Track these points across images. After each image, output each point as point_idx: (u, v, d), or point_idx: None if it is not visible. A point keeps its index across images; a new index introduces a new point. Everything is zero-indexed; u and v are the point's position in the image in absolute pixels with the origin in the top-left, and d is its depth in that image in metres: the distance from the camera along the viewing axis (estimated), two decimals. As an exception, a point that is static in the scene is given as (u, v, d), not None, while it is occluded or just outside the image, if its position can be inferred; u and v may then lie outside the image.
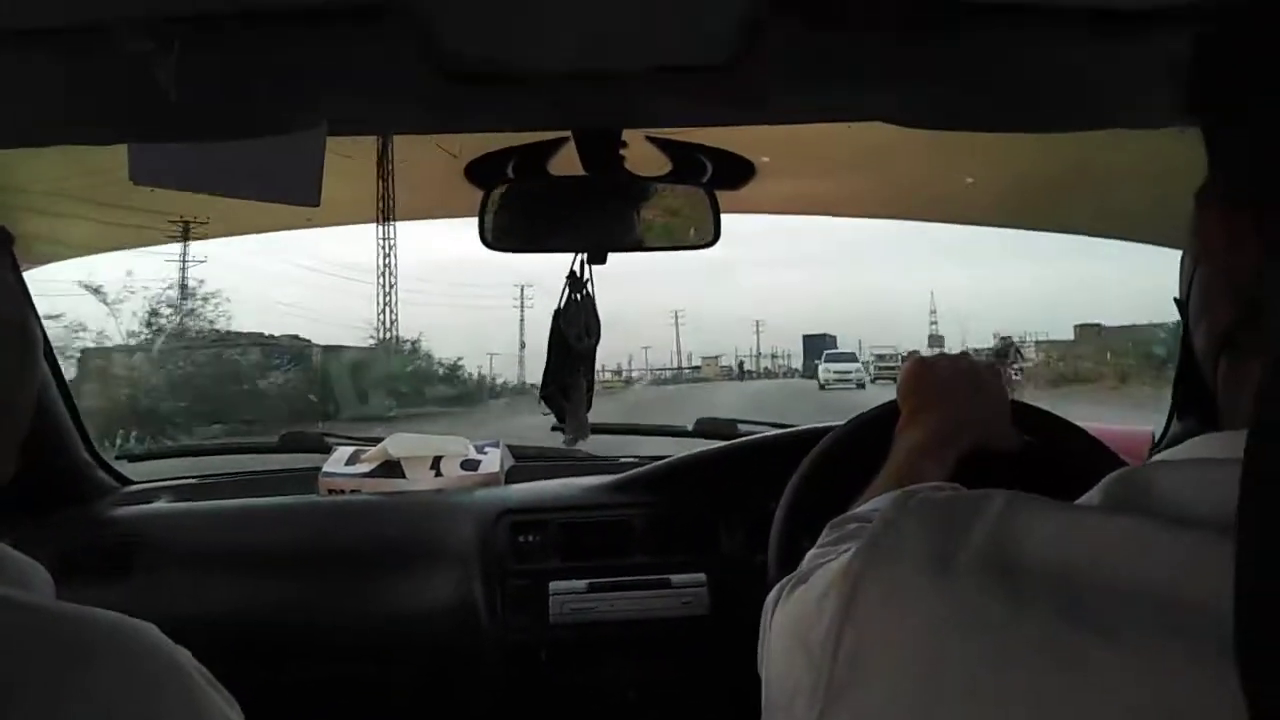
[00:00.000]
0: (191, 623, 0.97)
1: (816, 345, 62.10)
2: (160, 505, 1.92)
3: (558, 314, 1.45)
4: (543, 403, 1.52)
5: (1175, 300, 0.67)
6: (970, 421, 1.12)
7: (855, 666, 0.56)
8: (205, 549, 1.77)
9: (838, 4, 0.99)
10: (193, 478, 2.15)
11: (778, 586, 0.77)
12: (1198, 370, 0.62)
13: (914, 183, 1.59)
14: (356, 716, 1.71)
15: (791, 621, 0.69)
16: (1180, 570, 0.47)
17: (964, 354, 1.20)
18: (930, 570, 0.54)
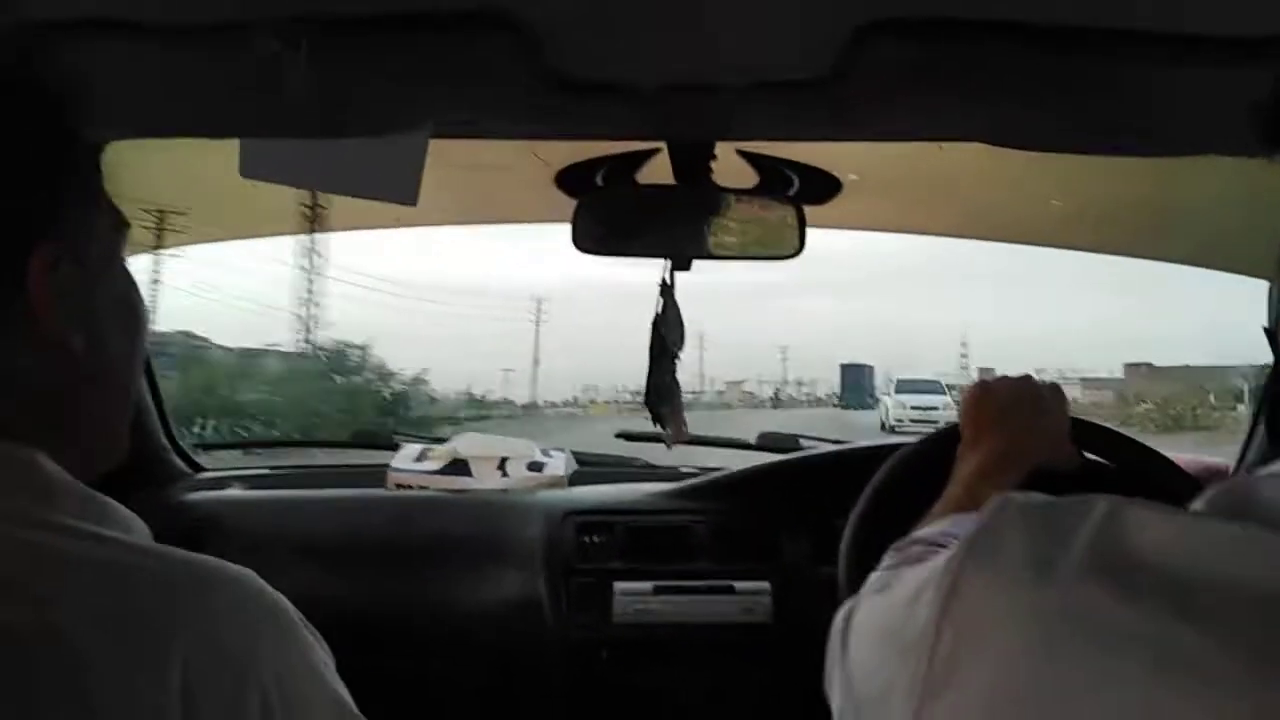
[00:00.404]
0: None
1: (855, 376, 60.84)
2: (232, 492, 1.97)
3: (657, 320, 1.48)
4: (646, 409, 1.54)
5: (1264, 329, 0.67)
6: (1031, 444, 1.13)
7: (954, 664, 0.57)
8: (274, 536, 1.80)
9: (938, 23, 1.00)
10: (265, 468, 2.19)
11: (846, 604, 0.79)
12: None
13: (999, 204, 1.60)
14: (419, 709, 1.73)
15: (878, 624, 0.70)
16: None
17: (1026, 376, 1.20)
18: (1033, 569, 0.55)
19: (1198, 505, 0.59)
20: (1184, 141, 1.19)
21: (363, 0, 1.01)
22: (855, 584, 1.28)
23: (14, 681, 0.54)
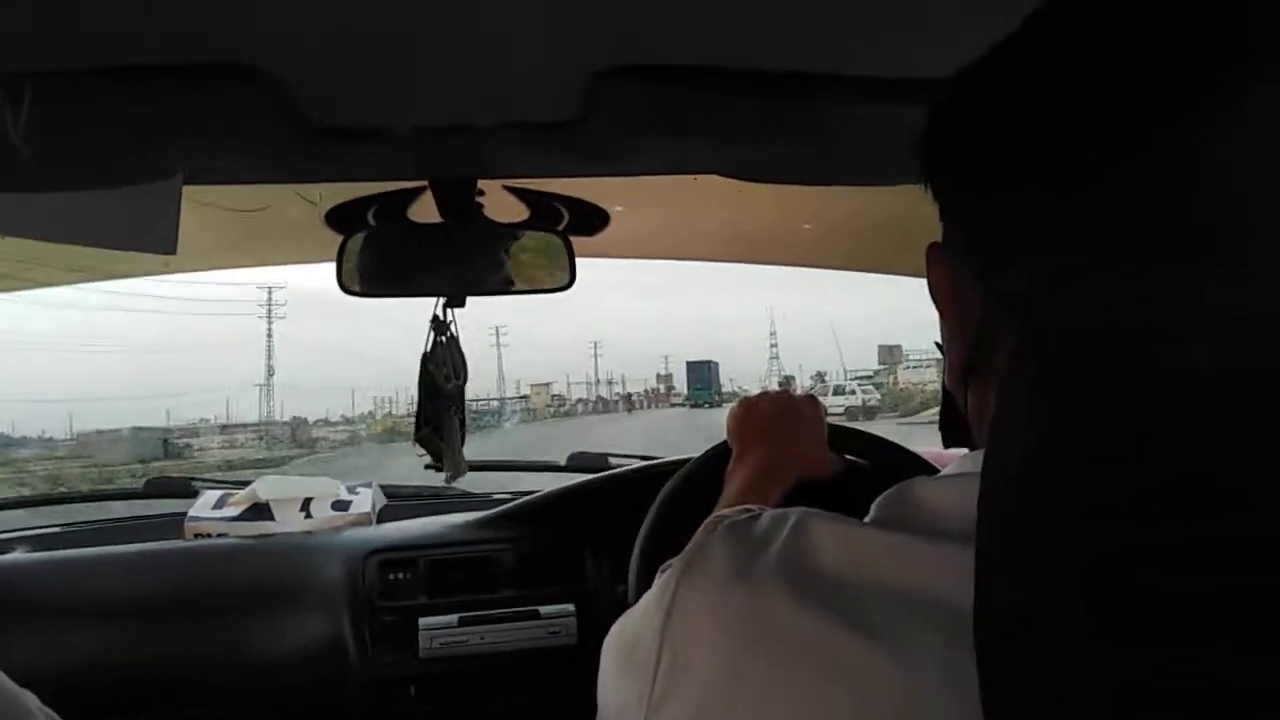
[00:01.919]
0: (47, 676, 0.97)
1: (701, 373, 60.39)
2: (15, 556, 1.88)
3: (425, 357, 1.49)
4: (416, 444, 1.55)
5: (935, 343, 0.74)
6: (793, 455, 1.20)
7: (673, 678, 0.61)
8: (62, 599, 1.73)
9: (668, 69, 1.07)
10: (53, 526, 2.10)
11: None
12: (954, 403, 0.70)
13: (758, 228, 1.69)
14: None
15: (616, 642, 0.72)
16: (935, 578, 0.53)
17: (784, 391, 1.28)
18: (733, 583, 0.59)
19: (873, 510, 0.65)
20: (875, 172, 1.29)
21: (94, 51, 1.00)
22: (645, 585, 1.34)
23: None
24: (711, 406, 49.38)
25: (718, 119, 1.18)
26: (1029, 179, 0.51)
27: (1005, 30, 0.53)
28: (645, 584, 1.38)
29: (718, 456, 1.41)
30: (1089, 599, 0.37)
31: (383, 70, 1.07)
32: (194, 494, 2.07)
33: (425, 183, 1.42)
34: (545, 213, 1.52)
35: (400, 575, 1.79)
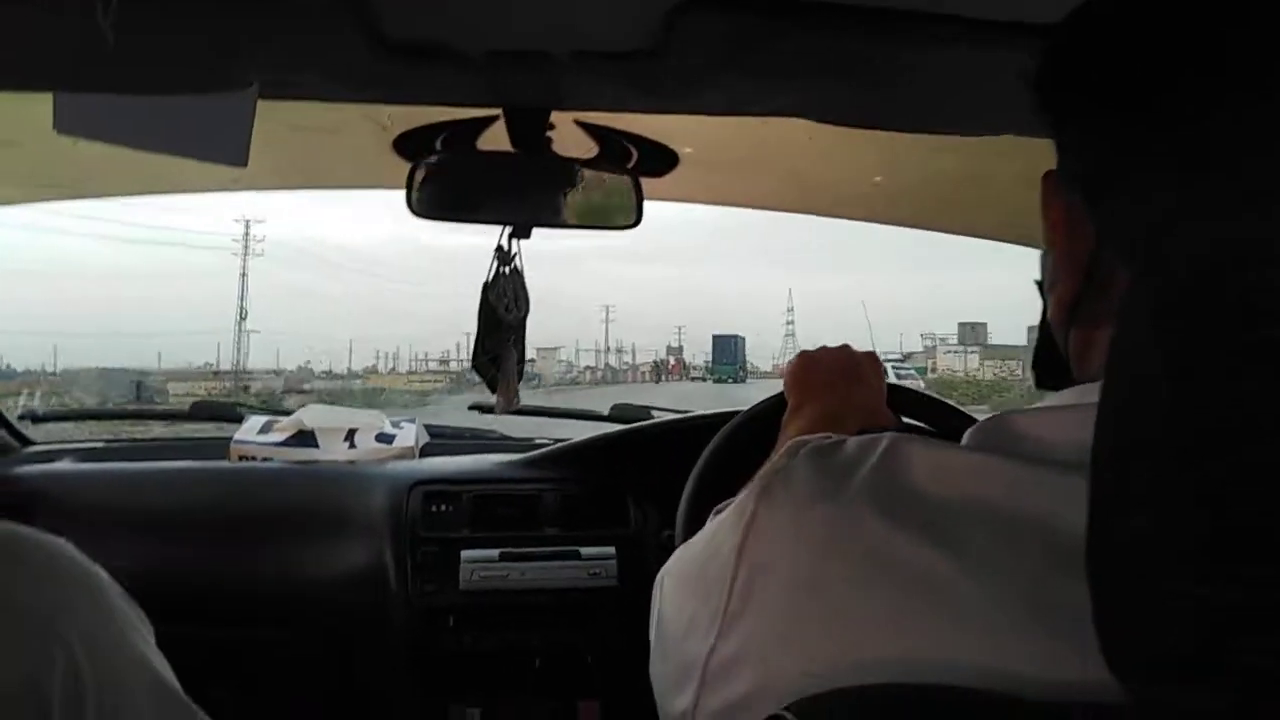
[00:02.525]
0: None
1: (726, 347, 59.27)
2: (62, 465, 1.90)
3: (486, 286, 1.49)
4: (475, 371, 1.55)
5: (1036, 282, 0.74)
6: (850, 410, 1.18)
7: (748, 596, 0.61)
8: (107, 509, 1.75)
9: (748, 1, 1.05)
10: (99, 441, 2.12)
11: (665, 566, 0.83)
12: (1052, 342, 0.69)
13: (825, 179, 1.67)
14: (262, 678, 1.71)
15: (683, 570, 0.74)
16: (1037, 502, 0.54)
17: (845, 346, 1.27)
18: (819, 501, 0.60)
19: (968, 437, 0.65)
20: (982, 121, 1.26)
21: None
22: (695, 530, 1.34)
23: None
24: (736, 382, 48.56)
25: (801, 57, 1.15)
26: (1153, 111, 0.51)
27: None
28: (694, 527, 1.38)
29: (773, 407, 1.41)
30: (1207, 518, 0.38)
31: None
32: (239, 419, 2.08)
33: (496, 113, 1.40)
34: (614, 150, 1.50)
35: (443, 507, 1.80)
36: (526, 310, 1.54)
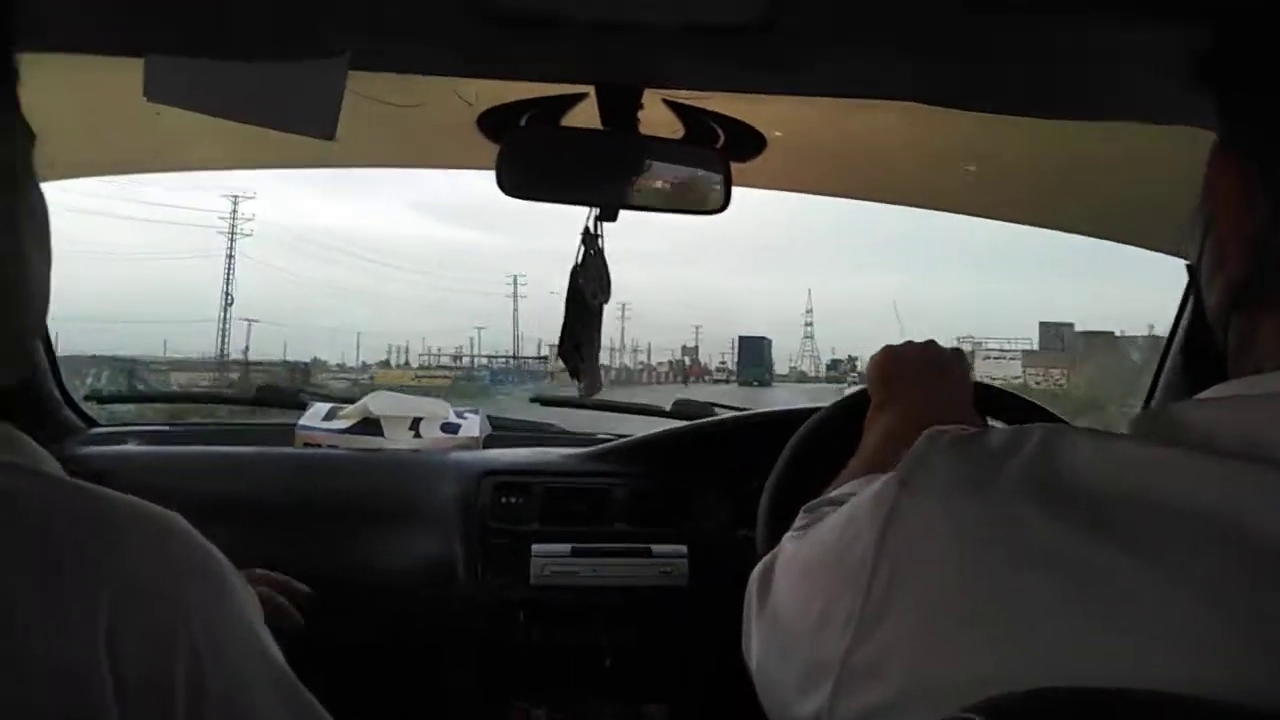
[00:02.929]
0: None
1: (753, 349, 58.48)
2: (129, 448, 1.88)
3: (576, 270, 1.45)
4: (559, 359, 1.52)
5: (1188, 266, 0.69)
6: (937, 406, 1.14)
7: (891, 593, 0.58)
8: (173, 493, 1.70)
9: None
10: (164, 424, 2.11)
11: (761, 565, 0.79)
12: (1202, 334, 0.65)
13: (915, 166, 1.62)
14: (330, 668, 1.68)
15: (808, 566, 0.70)
16: (1216, 493, 0.50)
17: (930, 341, 1.23)
18: (967, 493, 0.56)
19: (1125, 430, 0.60)
20: (1107, 105, 1.21)
21: None
22: (773, 543, 1.29)
23: None
24: (762, 386, 48.17)
25: (915, 34, 1.11)
26: None
27: None
28: (777, 526, 1.34)
29: (855, 405, 1.36)
30: None
31: None
32: (303, 405, 2.05)
33: (583, 90, 1.37)
34: (701, 132, 1.46)
35: (514, 499, 1.77)
36: (609, 296, 1.51)
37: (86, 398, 2.02)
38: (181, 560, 0.61)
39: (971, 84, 1.20)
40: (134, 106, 1.20)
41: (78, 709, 0.53)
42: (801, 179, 1.78)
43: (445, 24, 1.14)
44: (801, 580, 0.70)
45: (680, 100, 1.41)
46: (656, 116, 1.41)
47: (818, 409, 1.49)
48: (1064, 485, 0.54)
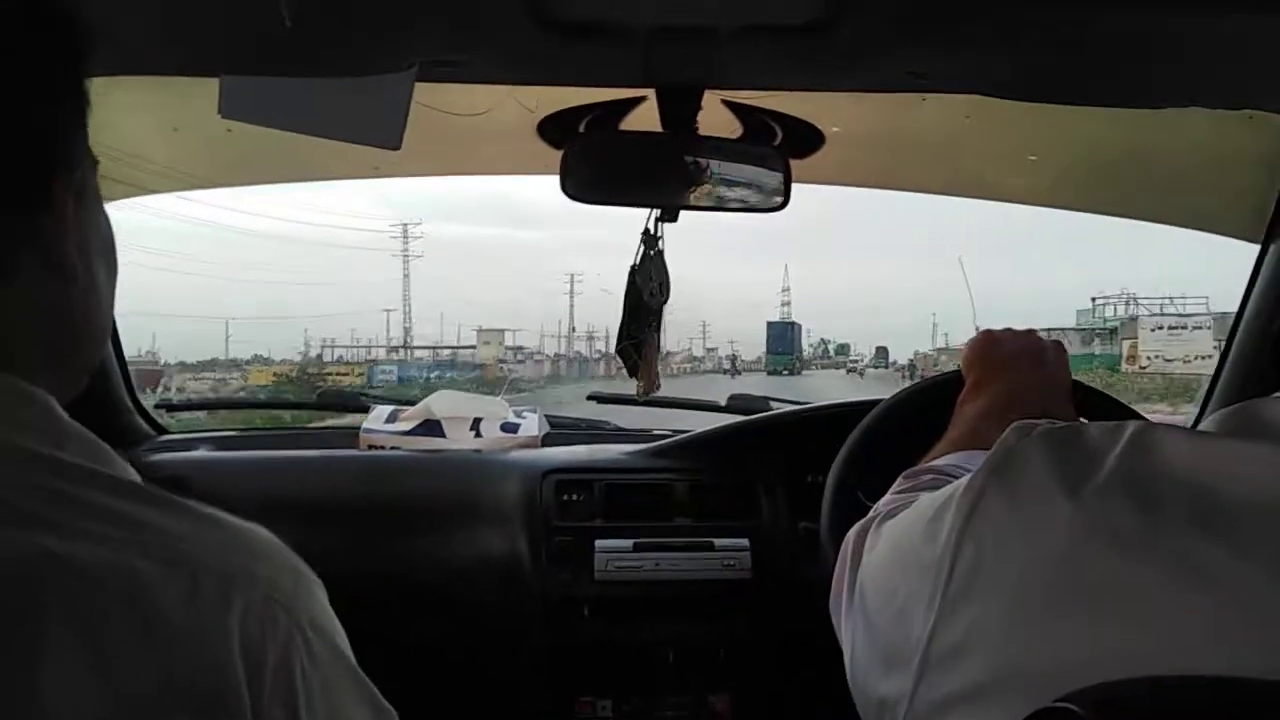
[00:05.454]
0: None
1: (781, 335, 54.46)
2: (200, 454, 1.93)
3: (634, 269, 1.47)
4: (618, 356, 1.54)
5: (1260, 253, 0.69)
6: (1035, 394, 1.14)
7: (974, 577, 0.59)
8: (246, 497, 1.76)
9: None
10: (233, 430, 2.15)
11: (859, 526, 0.80)
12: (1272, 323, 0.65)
13: (976, 157, 1.61)
14: (399, 668, 1.71)
15: (894, 546, 0.71)
16: None
17: (1030, 330, 1.22)
18: (1060, 488, 0.57)
19: (1209, 426, 0.61)
20: (1171, 93, 1.20)
21: None
22: (839, 516, 1.30)
23: (84, 610, 0.52)
24: (791, 374, 46.78)
25: (980, 25, 1.10)
26: None
27: None
28: (844, 512, 1.34)
29: (932, 387, 1.38)
30: None
31: None
32: (366, 409, 2.09)
33: (641, 94, 1.38)
34: (759, 130, 1.47)
35: (576, 496, 1.79)
36: (668, 296, 1.52)
37: (156, 406, 2.07)
38: (286, 566, 0.64)
39: (1034, 75, 1.19)
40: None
41: (214, 698, 0.55)
42: (860, 174, 1.78)
43: (506, 34, 1.16)
44: (888, 564, 0.71)
45: (738, 100, 1.42)
46: (715, 116, 1.42)
47: (874, 402, 1.49)
48: (1158, 481, 0.54)
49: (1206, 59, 1.07)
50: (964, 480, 0.64)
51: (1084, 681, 0.50)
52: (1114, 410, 1.36)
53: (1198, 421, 1.75)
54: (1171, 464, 0.55)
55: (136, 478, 0.67)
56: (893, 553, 0.71)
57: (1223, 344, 1.50)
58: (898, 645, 0.64)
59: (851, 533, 0.80)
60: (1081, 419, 1.31)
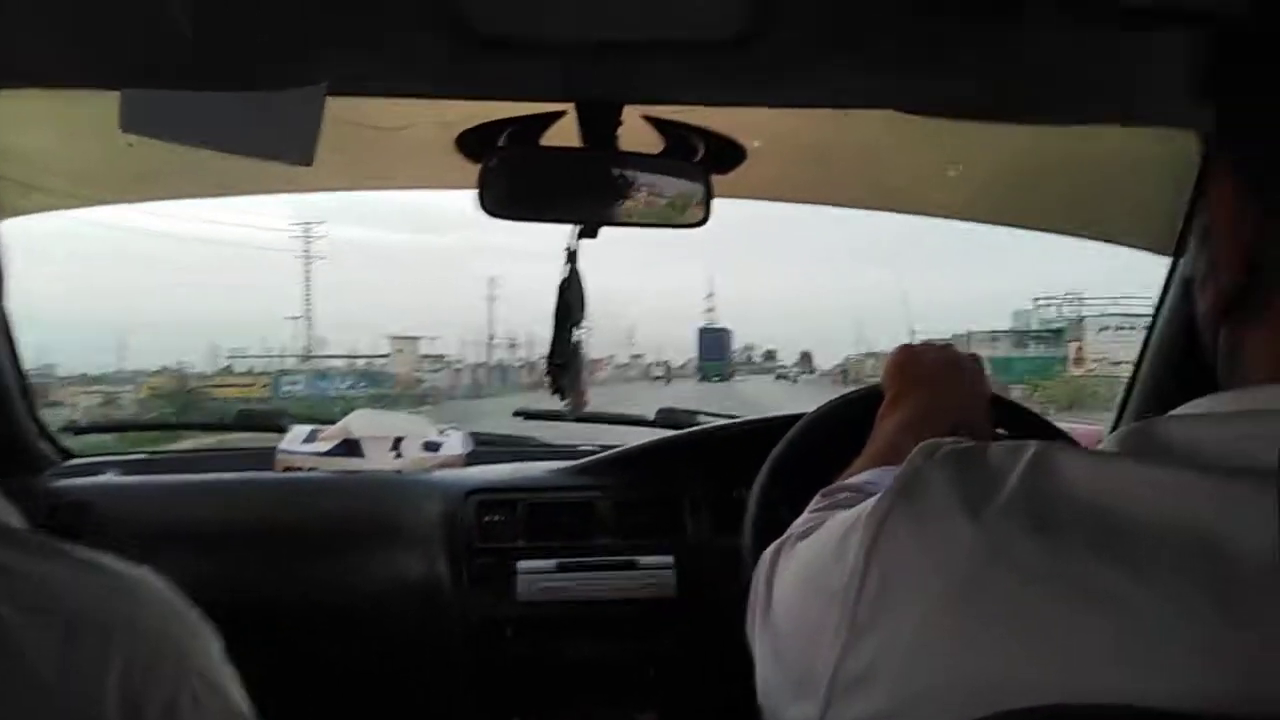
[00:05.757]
0: None
1: (714, 342, 54.40)
2: (106, 478, 1.86)
3: (563, 288, 1.45)
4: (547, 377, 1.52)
5: (1187, 279, 0.71)
6: (953, 406, 1.15)
7: (881, 603, 0.58)
8: (153, 523, 1.71)
9: None
10: (142, 452, 2.08)
11: (774, 546, 0.79)
12: (1191, 347, 0.66)
13: (896, 172, 1.63)
14: (316, 693, 1.67)
15: (804, 569, 0.70)
16: (1210, 511, 0.50)
17: (949, 344, 1.24)
18: (962, 510, 0.56)
19: (1110, 445, 0.61)
20: (1097, 110, 1.22)
21: None
22: (762, 531, 1.29)
23: None
24: (723, 380, 46.89)
25: (903, 44, 1.11)
26: None
27: None
28: (767, 526, 1.34)
29: (856, 401, 1.38)
30: None
31: None
32: (283, 429, 2.03)
33: (561, 109, 1.37)
34: (681, 145, 1.46)
35: (498, 517, 1.76)
36: (584, 313, 1.51)
37: (62, 429, 1.99)
38: (173, 613, 0.63)
39: (955, 93, 1.21)
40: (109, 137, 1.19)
41: None
42: (782, 188, 1.79)
43: (425, 47, 1.14)
44: (797, 589, 0.70)
45: (659, 115, 1.42)
46: (635, 131, 1.41)
47: (797, 417, 1.49)
48: (1057, 503, 0.54)
49: (1111, 75, 1.10)
50: (870, 501, 0.64)
51: (987, 709, 0.50)
52: (1031, 422, 1.38)
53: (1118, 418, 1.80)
54: (1072, 485, 0.55)
55: (14, 521, 0.63)
56: (803, 575, 0.70)
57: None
58: (805, 671, 0.63)
59: (767, 552, 0.79)
60: (1000, 430, 1.34)
